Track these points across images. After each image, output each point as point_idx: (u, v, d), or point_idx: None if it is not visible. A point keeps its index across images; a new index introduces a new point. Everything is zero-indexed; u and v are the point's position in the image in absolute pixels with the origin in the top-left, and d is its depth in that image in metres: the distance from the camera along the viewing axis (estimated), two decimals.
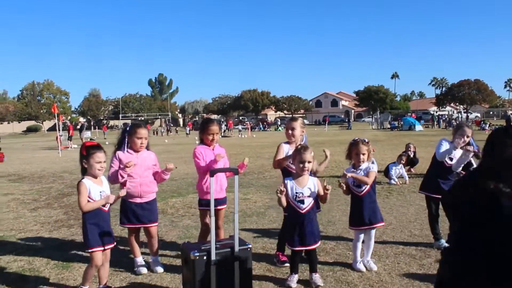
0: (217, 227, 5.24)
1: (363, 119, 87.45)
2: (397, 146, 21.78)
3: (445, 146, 5.67)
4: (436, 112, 77.41)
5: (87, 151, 4.26)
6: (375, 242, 5.80)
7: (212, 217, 3.98)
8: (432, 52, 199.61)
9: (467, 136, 5.57)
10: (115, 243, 4.56)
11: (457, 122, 8.71)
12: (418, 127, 44.82)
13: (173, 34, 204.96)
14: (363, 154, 4.90)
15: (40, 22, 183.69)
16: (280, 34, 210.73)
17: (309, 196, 4.35)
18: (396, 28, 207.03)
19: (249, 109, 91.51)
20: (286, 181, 4.43)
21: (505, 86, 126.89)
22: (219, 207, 5.13)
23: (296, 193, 4.33)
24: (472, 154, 5.77)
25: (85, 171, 4.34)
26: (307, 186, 4.36)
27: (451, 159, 5.71)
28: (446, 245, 5.47)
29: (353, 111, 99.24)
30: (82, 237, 4.43)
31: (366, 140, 4.96)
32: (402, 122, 48.24)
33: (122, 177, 4.83)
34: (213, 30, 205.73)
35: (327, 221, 7.22)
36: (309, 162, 4.34)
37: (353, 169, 4.96)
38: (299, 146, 4.50)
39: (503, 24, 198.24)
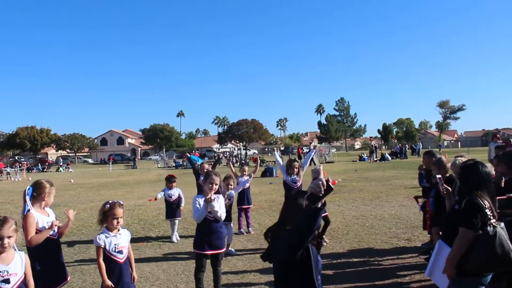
0: None
1: (149, 157, 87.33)
2: (178, 186, 22.10)
3: (198, 206, 5.65)
4: (219, 149, 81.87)
5: None
6: None
7: None
8: (216, 91, 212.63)
9: (216, 184, 5.67)
10: None
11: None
12: None
13: None
14: (121, 217, 4.58)
15: None
16: (58, 67, 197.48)
17: (16, 274, 3.78)
18: (181, 66, 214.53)
19: (26, 148, 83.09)
20: None
21: (277, 125, 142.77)
22: None
23: (0, 271, 3.67)
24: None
25: None
26: (13, 262, 3.75)
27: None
28: None
29: (139, 149, 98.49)
30: None
31: (122, 202, 4.66)
32: (186, 160, 49.51)
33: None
34: None
35: (92, 283, 6.65)
36: (9, 237, 3.69)
37: (107, 234, 4.56)
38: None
39: (276, 71, 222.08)
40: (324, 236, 8.59)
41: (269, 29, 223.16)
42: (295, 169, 8.70)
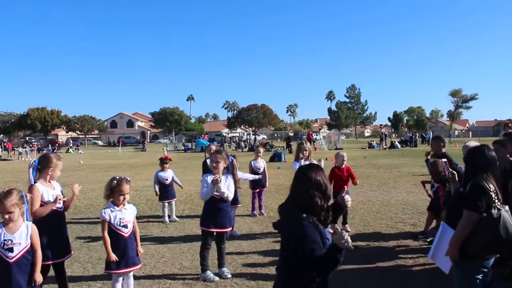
0: None
1: (159, 140, 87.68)
2: (186, 169, 22.22)
3: (205, 185, 5.72)
4: (228, 134, 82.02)
5: None
6: (145, 278, 5.65)
7: None
8: (226, 76, 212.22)
9: (218, 163, 5.72)
10: None
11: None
12: None
13: None
14: (127, 193, 4.64)
15: None
16: (70, 49, 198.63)
17: (19, 244, 3.80)
18: (192, 50, 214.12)
19: (37, 129, 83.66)
20: None
21: (287, 111, 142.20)
22: None
23: (4, 240, 3.75)
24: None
25: None
26: (18, 231, 3.82)
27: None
28: (213, 276, 5.61)
29: (149, 132, 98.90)
30: None
31: (129, 179, 4.71)
32: (195, 144, 49.65)
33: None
34: None
35: (98, 258, 6.74)
36: (9, 212, 3.73)
37: (112, 208, 4.63)
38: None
39: (287, 56, 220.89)
40: (346, 225, 8.51)
41: (281, 12, 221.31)
42: (305, 152, 8.01)
